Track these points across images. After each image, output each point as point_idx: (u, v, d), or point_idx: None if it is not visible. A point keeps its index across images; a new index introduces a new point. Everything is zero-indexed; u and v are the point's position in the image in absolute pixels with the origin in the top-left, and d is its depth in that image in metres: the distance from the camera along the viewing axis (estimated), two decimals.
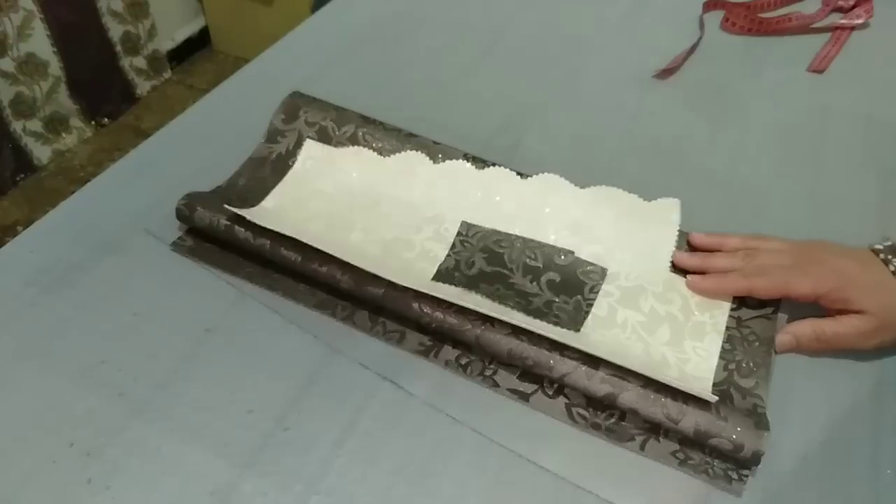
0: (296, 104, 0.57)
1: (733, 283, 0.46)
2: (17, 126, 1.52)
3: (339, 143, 0.56)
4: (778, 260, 0.47)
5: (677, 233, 0.50)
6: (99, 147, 1.67)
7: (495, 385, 0.43)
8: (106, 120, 1.72)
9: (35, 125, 1.56)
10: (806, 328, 0.45)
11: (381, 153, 0.55)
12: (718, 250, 0.49)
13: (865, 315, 0.43)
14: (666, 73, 0.68)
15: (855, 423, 0.42)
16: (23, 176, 1.57)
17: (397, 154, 0.54)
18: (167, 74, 1.87)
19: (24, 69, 1.48)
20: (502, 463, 0.39)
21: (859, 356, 0.45)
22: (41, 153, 1.60)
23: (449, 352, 0.44)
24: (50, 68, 1.54)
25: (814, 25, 0.74)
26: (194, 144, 0.58)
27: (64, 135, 1.64)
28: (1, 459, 0.39)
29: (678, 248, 0.50)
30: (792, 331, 0.45)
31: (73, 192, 0.54)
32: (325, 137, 0.56)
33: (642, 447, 0.40)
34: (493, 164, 0.54)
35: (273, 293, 0.47)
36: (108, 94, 1.71)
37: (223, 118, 0.62)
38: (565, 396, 0.42)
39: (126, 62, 1.73)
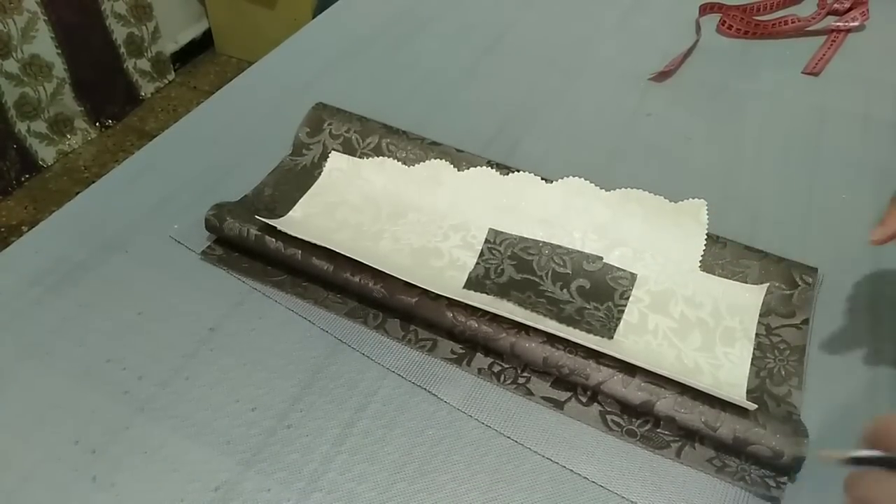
0: (319, 116, 0.58)
1: None
2: (21, 127, 1.53)
3: (363, 154, 0.56)
4: None
5: (706, 233, 0.50)
6: (103, 148, 1.68)
7: (529, 393, 0.43)
8: (110, 121, 1.73)
9: (40, 126, 1.57)
10: None
11: (405, 163, 0.55)
12: None
13: None
14: (662, 75, 0.68)
15: (850, 422, 0.42)
16: (28, 176, 1.58)
17: (422, 163, 0.55)
18: (171, 76, 1.88)
19: (29, 70, 1.49)
20: (501, 460, 0.40)
21: (854, 356, 0.45)
22: (46, 154, 1.61)
23: (481, 360, 0.44)
24: (54, 70, 1.55)
25: (809, 28, 0.74)
26: (198, 146, 0.59)
27: (68, 136, 1.65)
28: (6, 457, 0.39)
29: (706, 248, 0.49)
30: None
31: (77, 193, 0.55)
32: (349, 149, 0.56)
33: (678, 454, 0.40)
34: (517, 170, 0.54)
35: (304, 302, 0.47)
36: (113, 96, 1.72)
37: (226, 120, 0.62)
38: (599, 404, 0.42)
39: (130, 64, 1.74)
